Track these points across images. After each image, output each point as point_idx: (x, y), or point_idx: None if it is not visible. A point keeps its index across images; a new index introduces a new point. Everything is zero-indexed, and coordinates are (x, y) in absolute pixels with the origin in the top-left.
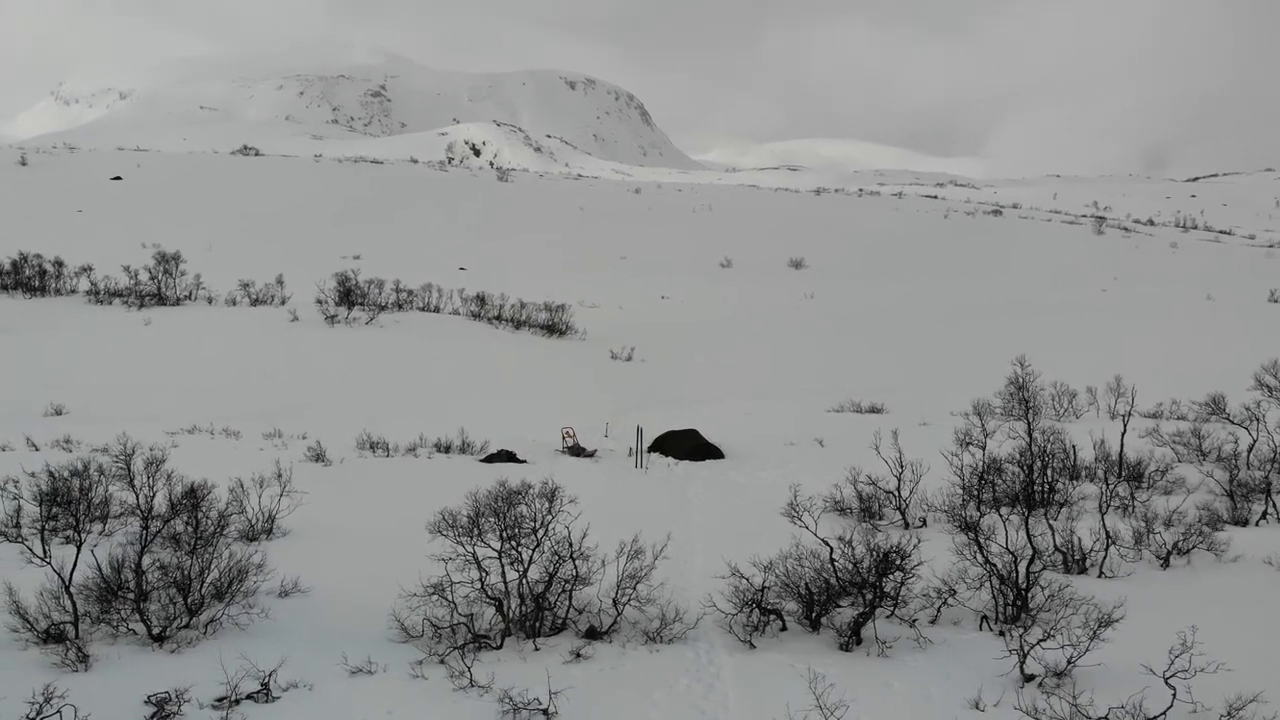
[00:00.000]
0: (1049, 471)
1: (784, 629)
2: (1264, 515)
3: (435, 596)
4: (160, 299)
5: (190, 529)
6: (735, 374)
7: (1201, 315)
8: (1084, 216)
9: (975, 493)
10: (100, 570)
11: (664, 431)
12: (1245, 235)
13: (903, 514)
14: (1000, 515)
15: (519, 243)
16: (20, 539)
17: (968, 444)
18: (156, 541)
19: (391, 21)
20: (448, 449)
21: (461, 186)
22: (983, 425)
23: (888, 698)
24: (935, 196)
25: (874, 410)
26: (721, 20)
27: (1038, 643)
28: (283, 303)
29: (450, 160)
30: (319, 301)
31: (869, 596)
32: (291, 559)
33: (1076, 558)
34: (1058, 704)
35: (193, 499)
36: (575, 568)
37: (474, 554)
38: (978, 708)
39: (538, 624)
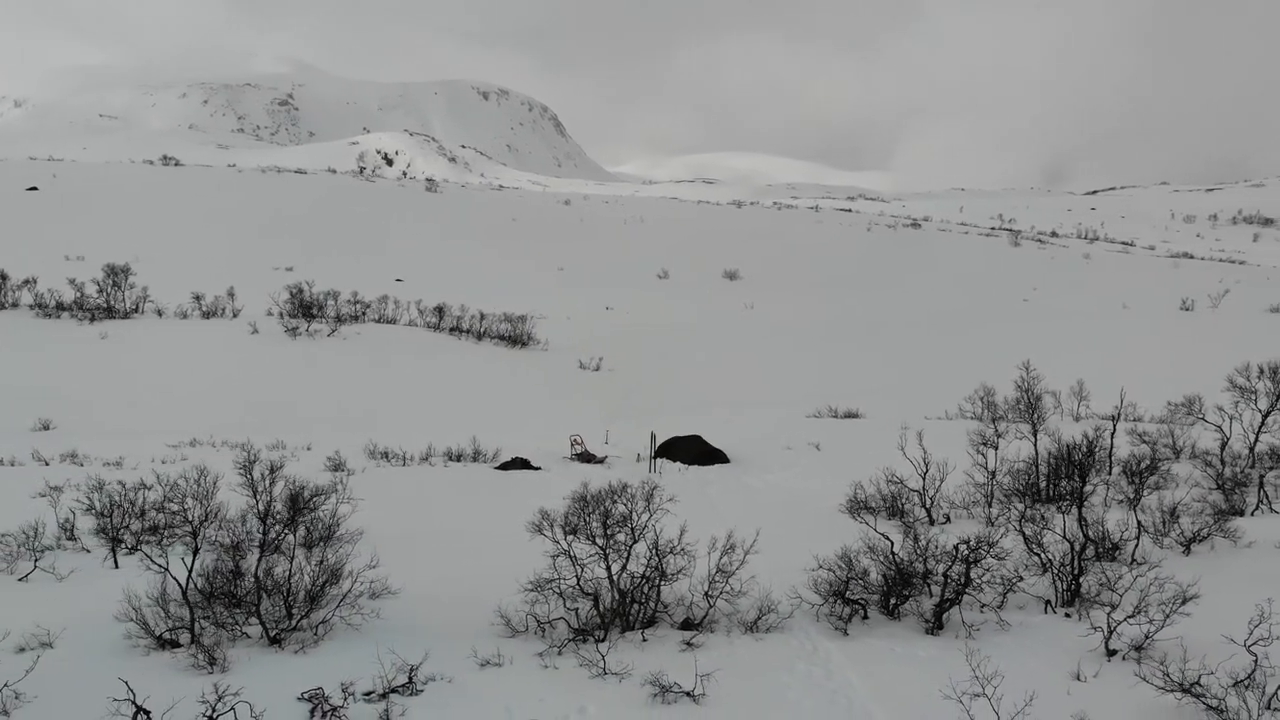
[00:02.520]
0: (1076, 468)
1: (865, 618)
2: (1258, 505)
3: (535, 592)
4: (109, 312)
5: (304, 533)
6: (706, 383)
7: (1120, 324)
8: (999, 229)
9: (990, 490)
10: (210, 577)
11: (667, 438)
12: (1146, 246)
13: (928, 511)
14: (1034, 510)
15: (455, 254)
16: (138, 547)
17: (984, 444)
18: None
19: (295, 29)
20: (459, 457)
21: (390, 197)
22: (995, 428)
23: (1003, 672)
24: (850, 210)
25: (851, 415)
26: (633, 31)
27: (1125, 619)
28: (235, 315)
29: (362, 170)
30: (281, 314)
31: (958, 583)
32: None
33: (1107, 547)
34: (1149, 672)
35: (307, 504)
36: (663, 564)
37: (571, 551)
38: (1078, 678)
39: (629, 617)
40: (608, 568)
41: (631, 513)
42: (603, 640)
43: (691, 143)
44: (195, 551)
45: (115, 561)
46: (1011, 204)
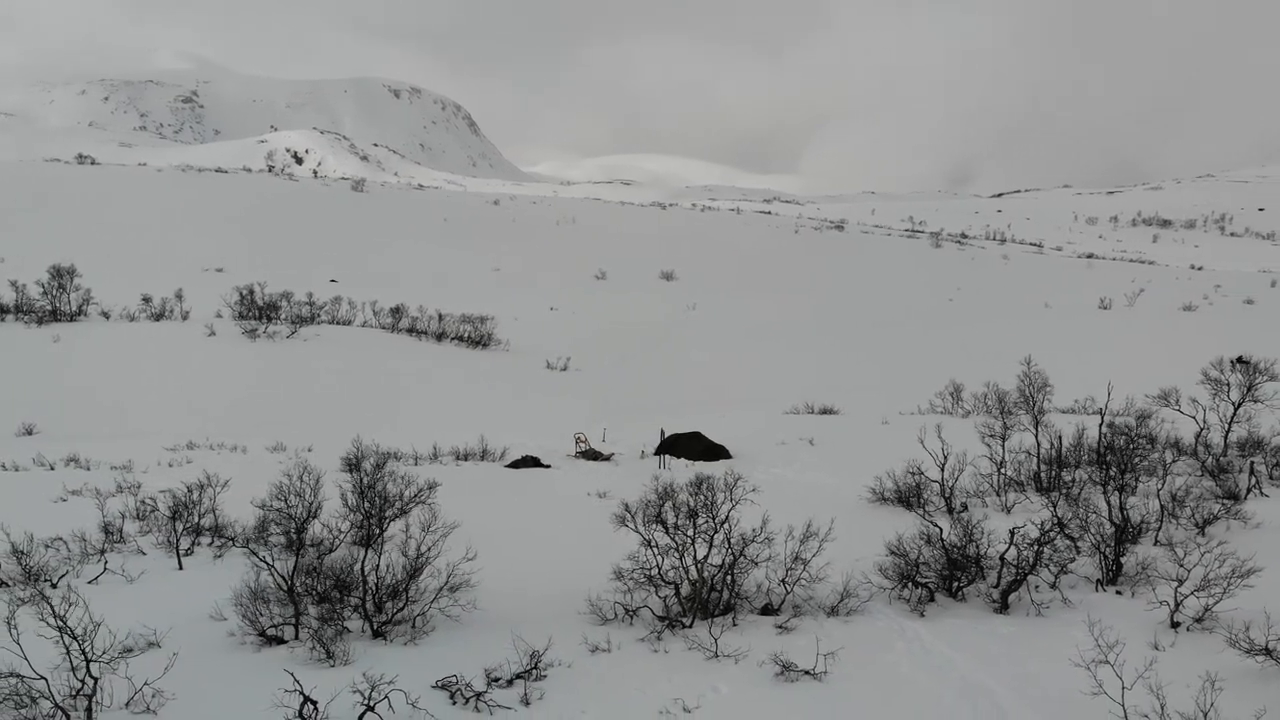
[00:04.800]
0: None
1: (932, 599)
2: (1249, 490)
3: (617, 581)
4: (54, 315)
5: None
6: (675, 382)
7: (1044, 321)
8: (918, 231)
9: (998, 480)
10: (318, 573)
11: (668, 435)
12: (1054, 247)
13: (947, 500)
14: (1056, 496)
15: (389, 254)
16: (247, 546)
17: (992, 436)
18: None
19: (197, 24)
20: (467, 457)
21: (315, 197)
22: (1004, 421)
23: (1088, 641)
24: (769, 212)
25: (828, 412)
26: (545, 30)
27: (1192, 593)
28: (185, 318)
29: (271, 168)
30: (236, 316)
31: (1026, 565)
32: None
33: (1130, 530)
34: (1217, 640)
35: (414, 498)
36: (746, 552)
37: (651, 540)
38: (1156, 648)
39: (708, 605)
40: (694, 556)
41: (713, 503)
42: (689, 627)
43: (604, 144)
44: (299, 548)
45: (179, 563)
46: (921, 207)
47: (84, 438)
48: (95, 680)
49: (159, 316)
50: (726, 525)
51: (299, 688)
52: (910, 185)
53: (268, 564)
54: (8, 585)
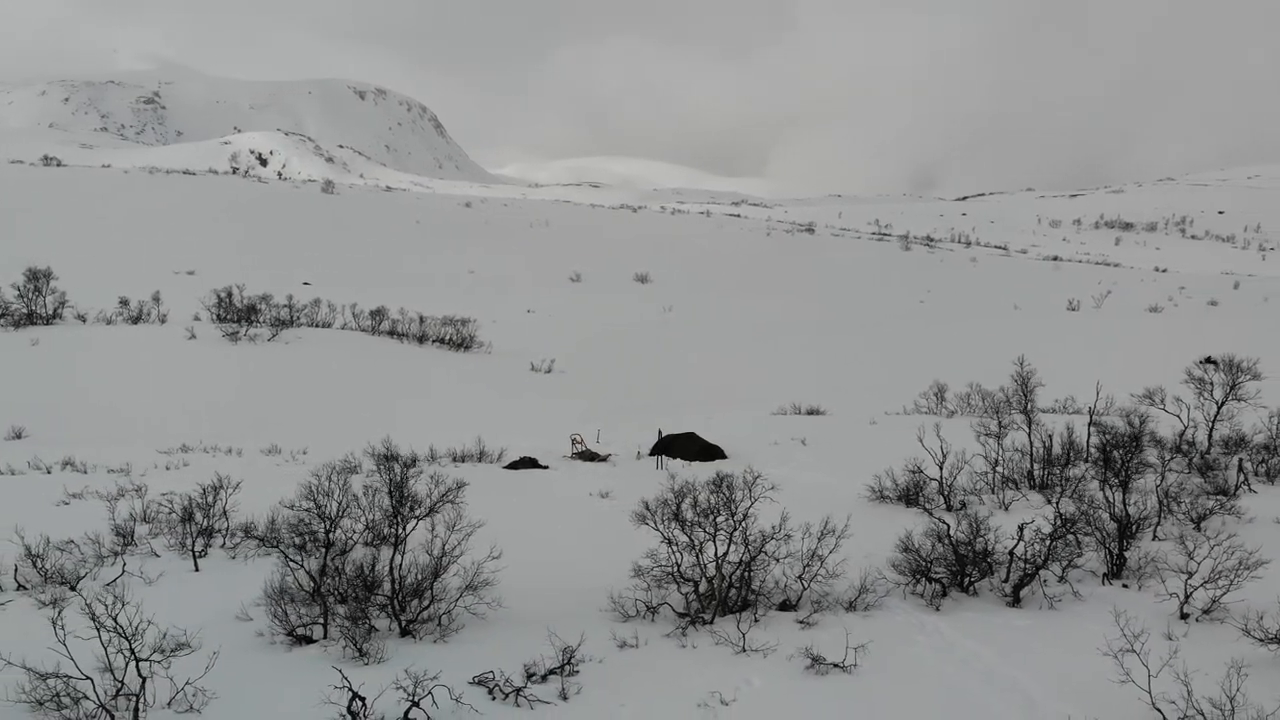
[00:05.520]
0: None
1: (945, 595)
2: (1238, 485)
3: (637, 578)
4: (30, 318)
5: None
6: (660, 384)
7: (1015, 322)
8: (889, 235)
9: (992, 478)
10: (340, 573)
11: (663, 436)
12: (1019, 250)
13: (945, 498)
14: (1054, 494)
15: (362, 256)
16: (277, 547)
17: (987, 435)
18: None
19: (159, 25)
20: (465, 458)
21: (286, 199)
22: (999, 421)
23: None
24: (738, 215)
25: (815, 413)
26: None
27: (1201, 585)
28: (163, 321)
29: (235, 170)
30: (215, 318)
31: (1037, 560)
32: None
33: (1129, 525)
34: (1228, 631)
35: (444, 497)
36: (765, 549)
37: (670, 537)
38: (1169, 638)
39: (727, 601)
40: (716, 552)
41: (732, 501)
42: (710, 623)
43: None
44: (327, 548)
45: (195, 564)
46: (887, 210)
47: (74, 441)
48: (143, 680)
49: (136, 319)
50: (745, 523)
51: (348, 684)
52: (875, 188)
53: (298, 563)
54: (26, 589)
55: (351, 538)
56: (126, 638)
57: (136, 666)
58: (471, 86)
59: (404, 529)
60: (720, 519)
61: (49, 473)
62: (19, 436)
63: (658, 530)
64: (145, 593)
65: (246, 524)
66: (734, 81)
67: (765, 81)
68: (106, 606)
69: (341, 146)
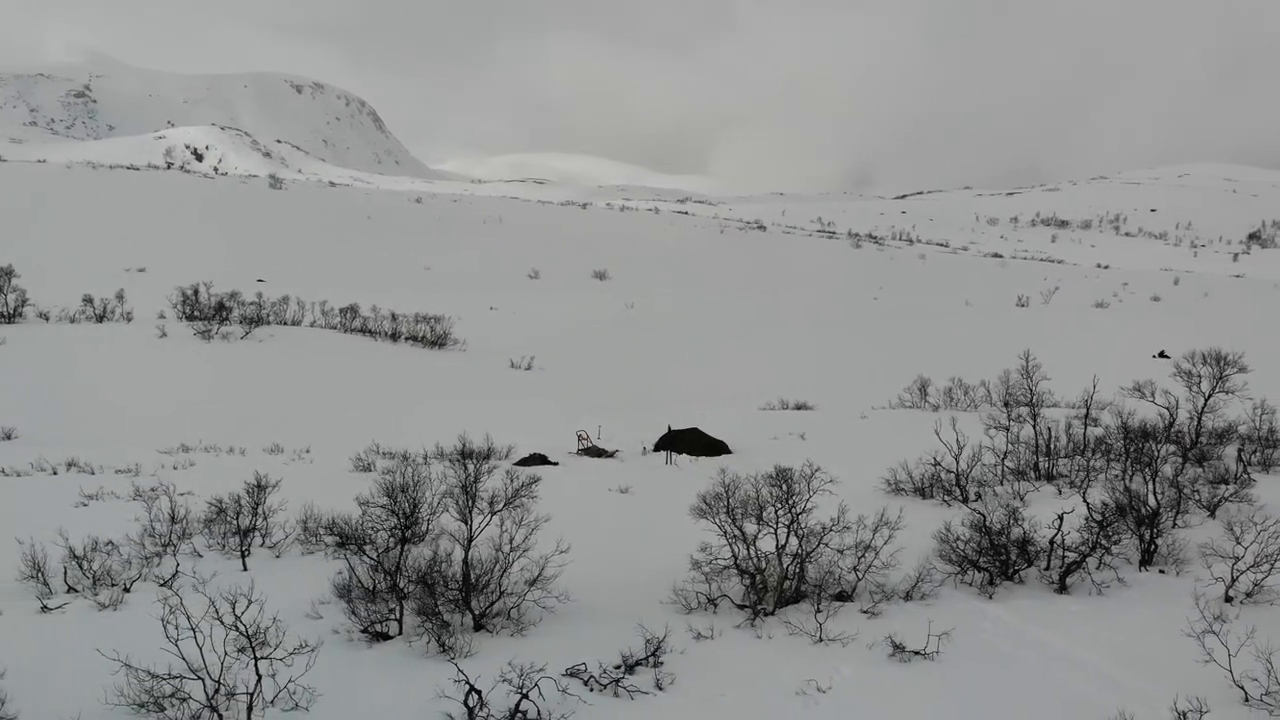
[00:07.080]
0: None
1: (992, 582)
2: (1237, 476)
3: (695, 570)
4: None
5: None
6: (643, 380)
7: (967, 318)
8: (833, 232)
9: (1001, 470)
10: (399, 569)
11: (665, 432)
12: (960, 247)
13: (961, 489)
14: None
15: (314, 253)
16: (351, 544)
17: (995, 428)
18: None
19: (91, 17)
20: (471, 456)
21: (234, 194)
22: (1008, 414)
23: (1164, 615)
24: (686, 212)
25: (803, 407)
26: (452, 27)
27: (1248, 569)
28: (129, 319)
29: (170, 165)
30: (185, 316)
31: (1085, 548)
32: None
33: (1146, 514)
34: (1277, 612)
35: (519, 491)
36: (816, 541)
37: (729, 530)
38: (1220, 619)
39: (783, 593)
40: (776, 544)
41: (790, 493)
42: (770, 613)
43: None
44: (403, 544)
45: (244, 564)
46: (828, 208)
47: (66, 441)
48: (259, 678)
49: (101, 318)
50: (805, 514)
51: (465, 678)
52: (815, 186)
53: (374, 560)
54: (77, 590)
55: (425, 533)
56: (249, 636)
57: (255, 665)
58: (410, 82)
59: (473, 525)
60: (779, 511)
61: (55, 474)
62: (9, 437)
63: (715, 523)
64: (200, 594)
65: (330, 521)
66: (676, 79)
67: (706, 79)
68: (233, 605)
69: (279, 141)
